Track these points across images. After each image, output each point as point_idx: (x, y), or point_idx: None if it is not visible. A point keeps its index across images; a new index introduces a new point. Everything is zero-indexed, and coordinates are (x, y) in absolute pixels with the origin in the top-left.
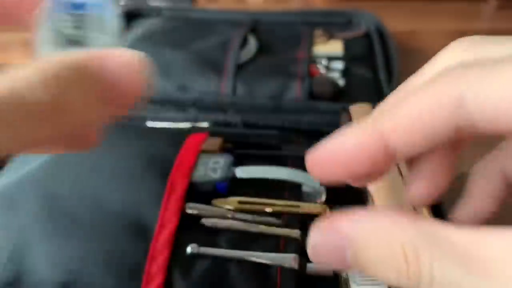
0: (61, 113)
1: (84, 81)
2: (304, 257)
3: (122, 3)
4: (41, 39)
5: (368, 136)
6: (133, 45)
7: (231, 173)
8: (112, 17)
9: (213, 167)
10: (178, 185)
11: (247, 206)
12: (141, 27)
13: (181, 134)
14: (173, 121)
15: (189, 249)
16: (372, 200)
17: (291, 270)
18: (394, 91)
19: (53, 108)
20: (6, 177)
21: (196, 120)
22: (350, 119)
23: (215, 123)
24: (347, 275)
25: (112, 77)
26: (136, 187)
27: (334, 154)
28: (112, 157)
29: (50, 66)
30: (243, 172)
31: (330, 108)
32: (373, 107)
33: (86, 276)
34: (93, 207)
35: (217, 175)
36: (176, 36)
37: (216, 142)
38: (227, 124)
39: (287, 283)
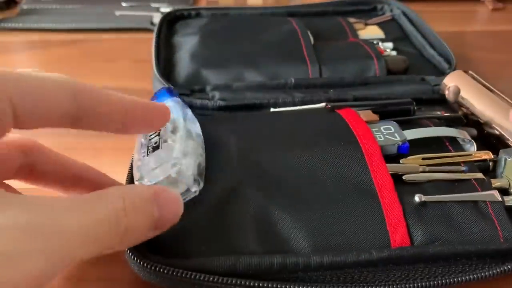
0: (128, 233)
1: (148, 210)
2: None
3: (124, 4)
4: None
5: None
6: (199, 45)
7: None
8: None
9: (388, 133)
10: (372, 150)
11: (431, 161)
12: (192, 29)
13: (324, 112)
14: (291, 105)
15: (417, 199)
16: None
17: (498, 202)
18: None
19: (125, 230)
20: None
21: (311, 101)
22: (451, 85)
23: (329, 100)
24: None
25: (163, 209)
26: (333, 155)
27: None
28: (290, 134)
29: (128, 195)
30: (408, 134)
31: (411, 79)
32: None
33: (341, 238)
34: (310, 179)
35: (397, 138)
36: (239, 32)
37: (368, 113)
38: (342, 100)
39: (500, 213)
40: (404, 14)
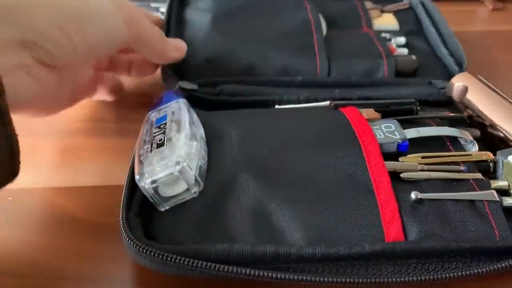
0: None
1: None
2: None
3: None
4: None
5: None
6: (209, 35)
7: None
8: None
9: (389, 131)
10: (371, 147)
11: (430, 160)
12: (204, 4)
13: (327, 110)
14: (296, 103)
15: (413, 196)
16: None
17: (495, 202)
18: None
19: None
20: None
21: (316, 99)
22: (458, 84)
23: (333, 99)
24: None
25: None
26: (332, 150)
27: None
28: (291, 130)
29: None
30: (409, 133)
31: (418, 82)
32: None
33: (336, 232)
34: (308, 173)
35: (397, 136)
36: (252, 16)
37: (370, 112)
38: (345, 99)
39: (497, 213)
40: (422, 4)
